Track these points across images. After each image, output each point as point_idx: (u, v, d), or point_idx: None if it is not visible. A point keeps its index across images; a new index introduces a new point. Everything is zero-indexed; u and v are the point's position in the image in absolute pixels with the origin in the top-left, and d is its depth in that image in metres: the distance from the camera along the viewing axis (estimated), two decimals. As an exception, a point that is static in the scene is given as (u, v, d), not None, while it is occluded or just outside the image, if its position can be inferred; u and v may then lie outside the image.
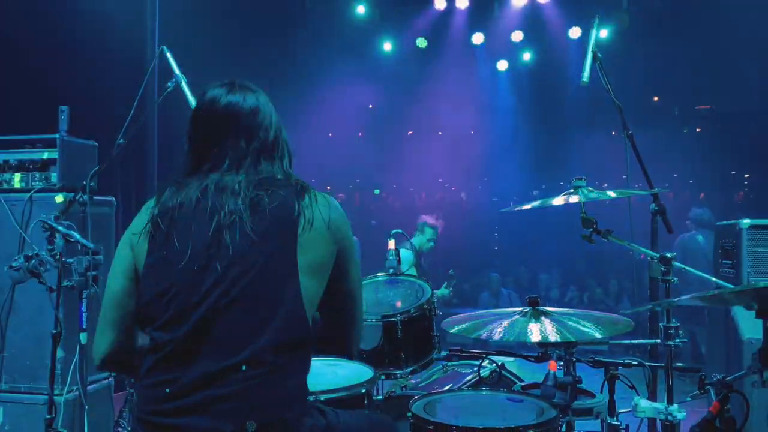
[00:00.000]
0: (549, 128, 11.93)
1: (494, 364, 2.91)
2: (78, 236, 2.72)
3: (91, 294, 3.24)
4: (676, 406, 2.32)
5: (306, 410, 1.68)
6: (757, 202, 12.78)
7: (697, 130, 13.89)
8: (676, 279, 2.31)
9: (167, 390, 1.62)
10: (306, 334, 1.67)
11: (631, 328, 2.43)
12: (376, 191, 15.73)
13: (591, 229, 2.45)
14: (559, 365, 2.57)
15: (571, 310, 2.56)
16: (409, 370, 2.66)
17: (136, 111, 3.07)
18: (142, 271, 1.74)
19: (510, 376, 2.91)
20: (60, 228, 2.70)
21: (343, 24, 9.41)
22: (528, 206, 2.63)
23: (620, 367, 2.82)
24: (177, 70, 2.99)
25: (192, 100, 2.97)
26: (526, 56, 9.89)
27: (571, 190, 2.49)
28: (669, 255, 2.31)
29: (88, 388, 3.57)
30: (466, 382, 2.81)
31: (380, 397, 2.49)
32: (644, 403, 2.37)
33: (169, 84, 3.00)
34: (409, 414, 2.11)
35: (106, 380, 3.80)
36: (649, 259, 3.08)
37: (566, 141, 11.66)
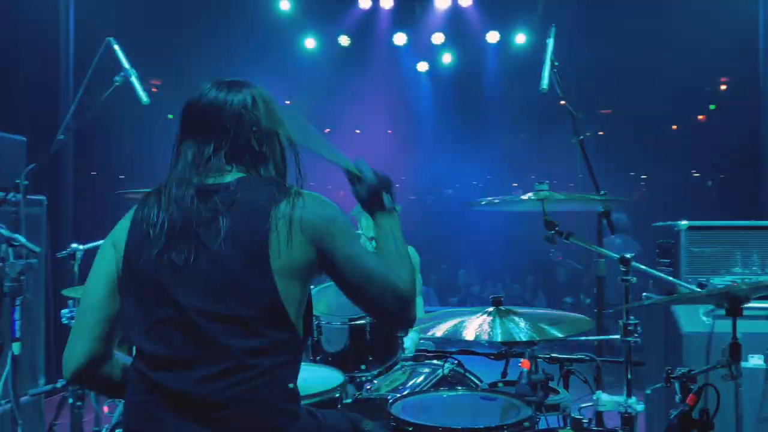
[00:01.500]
0: (466, 129, 12.23)
1: (454, 363, 2.97)
2: (23, 239, 2.54)
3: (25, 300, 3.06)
4: (634, 398, 2.45)
5: (298, 413, 1.66)
6: (653, 202, 13.65)
7: (600, 132, 14.64)
8: (635, 278, 2.44)
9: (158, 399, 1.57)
10: (290, 336, 1.65)
11: (590, 326, 2.55)
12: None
13: (553, 231, 2.54)
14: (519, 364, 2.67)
15: (532, 310, 2.66)
16: (375, 372, 2.66)
17: (77, 107, 2.90)
18: (121, 276, 1.68)
19: (470, 375, 2.97)
20: (3, 231, 2.51)
21: (266, 19, 9.27)
22: (484, 202, 2.70)
23: (574, 363, 2.97)
24: (126, 64, 2.85)
25: (143, 96, 2.85)
26: (446, 58, 10.07)
27: (531, 194, 2.55)
28: (628, 256, 2.42)
29: (20, 399, 3.36)
30: (429, 382, 2.84)
31: (349, 400, 2.48)
32: (605, 396, 2.49)
33: (117, 78, 2.86)
34: (391, 416, 2.12)
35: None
36: (598, 258, 3.23)
37: (484, 141, 12.00)
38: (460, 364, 3.00)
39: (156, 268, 1.63)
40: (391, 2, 8.71)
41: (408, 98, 11.42)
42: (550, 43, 2.84)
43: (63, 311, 2.89)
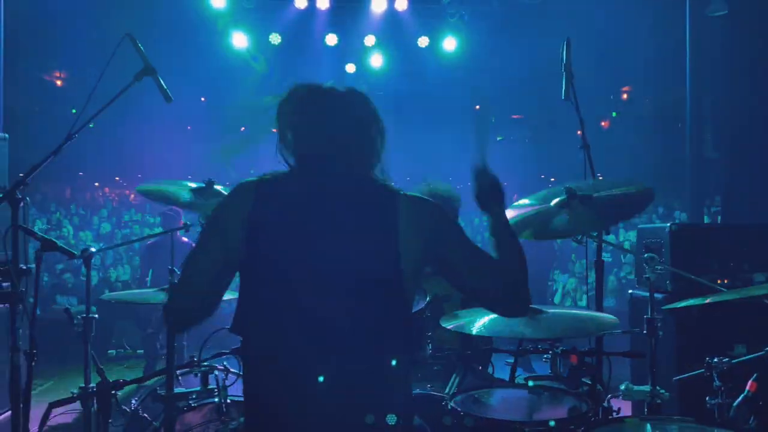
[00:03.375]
0: (388, 129, 12.40)
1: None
2: (59, 243, 2.39)
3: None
4: (658, 387, 2.66)
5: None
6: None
7: (511, 138, 15.33)
8: (654, 274, 2.64)
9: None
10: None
11: (616, 324, 2.71)
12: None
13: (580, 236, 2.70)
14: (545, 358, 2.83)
15: (559, 310, 2.82)
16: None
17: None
18: (244, 258, 1.68)
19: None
20: (38, 233, 2.36)
21: (195, 13, 9.03)
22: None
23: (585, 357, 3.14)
24: (147, 60, 2.74)
25: (166, 93, 2.75)
26: (376, 60, 10.16)
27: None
28: (653, 255, 2.62)
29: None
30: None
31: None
32: (632, 386, 2.68)
33: (136, 75, 2.73)
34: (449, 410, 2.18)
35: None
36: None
37: (404, 141, 12.23)
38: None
39: (287, 257, 1.64)
40: (327, 3, 8.71)
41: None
42: (565, 54, 2.99)
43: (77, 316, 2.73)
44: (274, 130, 1.82)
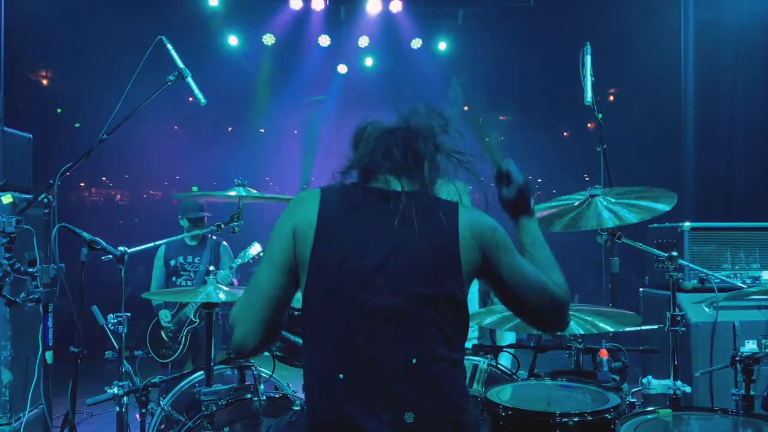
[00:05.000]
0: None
1: (489, 358, 3.14)
2: (104, 243, 2.41)
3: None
4: (679, 381, 2.75)
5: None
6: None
7: (501, 138, 15.42)
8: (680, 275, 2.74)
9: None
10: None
11: (639, 320, 2.80)
12: (194, 189, 15.13)
13: (605, 235, 2.79)
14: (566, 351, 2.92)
15: (584, 305, 2.90)
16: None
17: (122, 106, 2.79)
18: (308, 267, 1.70)
19: (503, 368, 3.15)
20: (84, 234, 2.38)
21: (191, 13, 9.01)
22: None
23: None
24: (180, 63, 2.78)
25: (200, 95, 2.79)
26: (368, 61, 10.22)
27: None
28: (674, 254, 2.72)
29: (30, 414, 3.16)
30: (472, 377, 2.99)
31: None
32: (654, 381, 2.77)
33: (170, 77, 2.77)
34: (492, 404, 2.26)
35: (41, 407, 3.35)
36: (612, 258, 3.52)
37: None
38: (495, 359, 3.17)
39: (349, 266, 1.67)
40: (322, 4, 8.74)
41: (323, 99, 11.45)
42: (588, 59, 3.07)
43: (109, 317, 2.76)
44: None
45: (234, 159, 12.28)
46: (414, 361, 1.65)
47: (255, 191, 3.00)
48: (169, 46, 2.77)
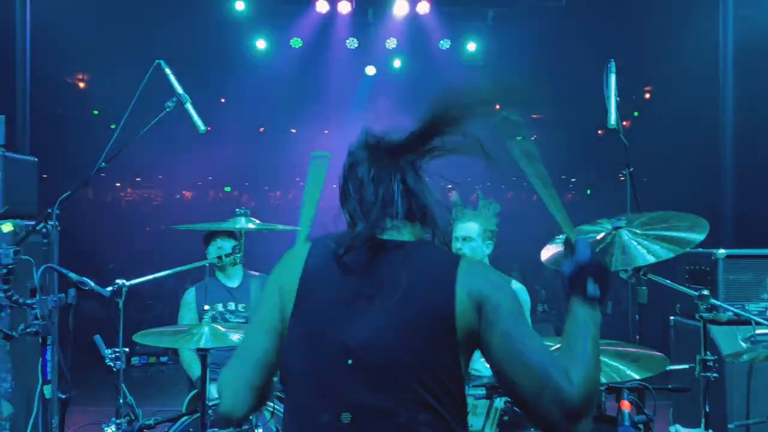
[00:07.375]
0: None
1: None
2: (92, 284, 2.31)
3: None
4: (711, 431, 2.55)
5: None
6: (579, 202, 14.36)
7: (534, 137, 15.16)
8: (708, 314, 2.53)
9: None
10: None
11: (667, 364, 2.60)
12: (227, 188, 15.33)
13: (630, 271, 2.59)
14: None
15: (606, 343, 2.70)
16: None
17: (120, 133, 2.69)
18: (291, 326, 1.58)
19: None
20: (71, 275, 2.28)
21: (219, 18, 9.03)
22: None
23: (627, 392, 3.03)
24: (179, 89, 2.66)
25: (199, 123, 2.67)
26: (396, 63, 10.09)
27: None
28: (706, 292, 2.51)
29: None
30: (490, 419, 2.83)
31: None
32: (683, 430, 2.57)
33: (168, 104, 2.66)
34: None
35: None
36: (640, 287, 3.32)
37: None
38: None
39: (335, 323, 1.55)
40: (348, 7, 8.64)
41: (350, 100, 11.39)
42: (612, 78, 2.86)
43: (107, 351, 2.66)
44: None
45: (264, 160, 12.30)
46: None
47: (257, 221, 2.87)
48: (168, 71, 2.66)
